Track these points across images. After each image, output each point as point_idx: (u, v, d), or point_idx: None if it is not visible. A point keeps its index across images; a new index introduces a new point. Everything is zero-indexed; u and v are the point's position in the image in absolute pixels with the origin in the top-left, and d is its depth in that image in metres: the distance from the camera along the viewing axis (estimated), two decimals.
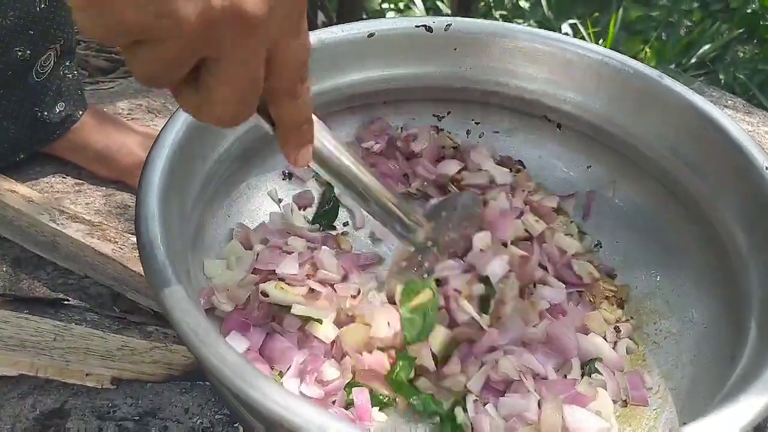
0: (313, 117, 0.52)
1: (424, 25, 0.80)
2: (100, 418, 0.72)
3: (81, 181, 1.00)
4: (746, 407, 0.49)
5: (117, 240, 0.85)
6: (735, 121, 1.29)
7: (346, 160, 0.58)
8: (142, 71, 0.41)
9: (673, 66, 2.19)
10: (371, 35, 0.79)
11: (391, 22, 0.81)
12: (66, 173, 1.01)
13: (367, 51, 0.80)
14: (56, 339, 0.73)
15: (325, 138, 0.56)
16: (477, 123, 0.88)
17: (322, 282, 0.71)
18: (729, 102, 1.43)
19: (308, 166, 0.55)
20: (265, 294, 0.68)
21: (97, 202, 0.97)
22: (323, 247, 0.74)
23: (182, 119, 0.66)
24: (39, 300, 0.80)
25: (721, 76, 2.13)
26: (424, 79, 0.83)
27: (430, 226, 0.71)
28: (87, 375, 0.74)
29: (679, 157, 0.74)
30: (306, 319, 0.68)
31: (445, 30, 0.80)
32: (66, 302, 0.79)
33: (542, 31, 0.81)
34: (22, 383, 0.75)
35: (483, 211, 0.78)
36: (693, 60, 2.24)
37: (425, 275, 0.73)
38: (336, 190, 0.83)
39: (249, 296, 0.70)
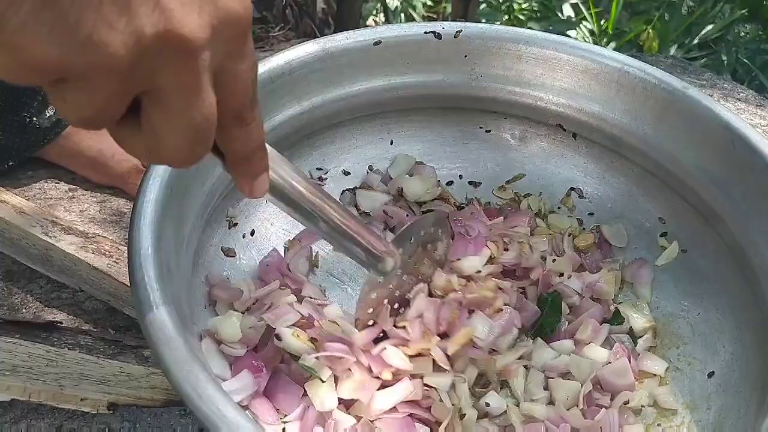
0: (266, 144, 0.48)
1: (433, 32, 0.76)
2: None
3: (74, 187, 0.96)
4: None
5: (112, 254, 0.82)
6: (747, 114, 1.28)
7: (305, 189, 0.53)
8: (71, 113, 0.36)
9: (675, 47, 2.16)
10: (377, 43, 0.75)
11: (398, 29, 0.76)
12: (59, 178, 0.97)
13: (373, 59, 0.76)
14: (49, 364, 0.70)
15: (279, 166, 0.50)
16: (488, 131, 0.84)
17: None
18: (741, 94, 1.40)
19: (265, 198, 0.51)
20: (278, 338, 0.65)
21: (92, 209, 0.94)
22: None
23: None
24: (30, 323, 0.76)
25: (724, 57, 2.09)
26: (432, 88, 0.79)
27: (398, 254, 0.67)
28: (82, 400, 0.71)
29: (706, 174, 0.71)
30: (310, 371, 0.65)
31: (455, 36, 0.76)
32: (59, 324, 0.76)
33: (558, 37, 0.77)
34: (14, 407, 0.72)
35: (450, 231, 0.76)
36: (696, 41, 2.21)
37: (396, 305, 0.70)
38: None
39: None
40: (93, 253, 0.82)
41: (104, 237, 0.85)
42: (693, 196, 0.73)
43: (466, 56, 0.78)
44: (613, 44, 2.13)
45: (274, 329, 0.65)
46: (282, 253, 0.77)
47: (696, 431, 0.63)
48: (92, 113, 0.35)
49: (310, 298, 0.71)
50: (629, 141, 0.77)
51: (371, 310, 0.69)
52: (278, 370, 0.66)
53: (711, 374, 0.68)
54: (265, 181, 0.47)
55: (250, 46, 0.40)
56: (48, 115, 0.90)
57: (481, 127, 0.84)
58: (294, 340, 0.64)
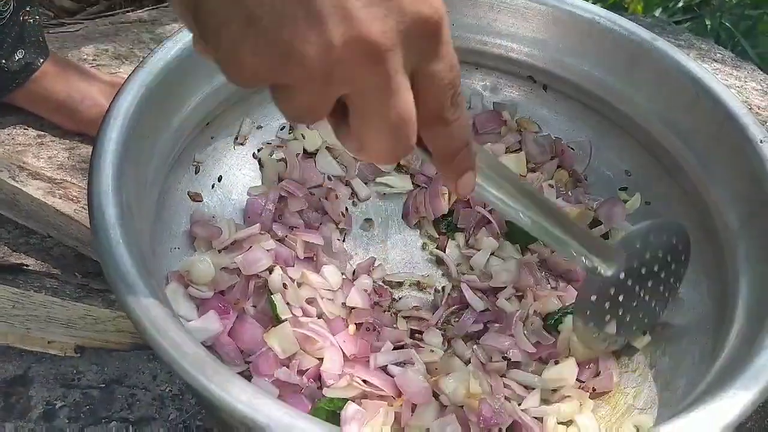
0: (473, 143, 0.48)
1: None
2: (64, 386, 0.70)
3: (43, 133, 0.95)
4: (730, 404, 0.48)
5: (80, 199, 0.82)
6: (722, 75, 1.28)
7: (513, 188, 0.53)
8: (286, 112, 0.40)
9: (660, 10, 2.15)
10: None
11: None
12: (28, 124, 0.96)
13: None
14: (15, 306, 0.71)
15: (486, 163, 0.50)
16: None
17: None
18: (718, 55, 1.40)
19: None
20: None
21: (60, 156, 0.93)
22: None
23: (148, 68, 0.62)
24: None
25: (707, 22, 2.09)
26: None
27: (623, 257, 0.61)
28: (49, 342, 0.71)
29: (670, 125, 0.72)
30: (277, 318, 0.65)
31: None
32: (25, 267, 0.76)
33: None
34: None
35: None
36: (680, 4, 2.20)
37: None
38: None
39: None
40: (60, 198, 0.82)
41: (72, 183, 0.85)
42: (658, 149, 0.74)
43: None
44: (599, 5, 2.12)
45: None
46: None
47: (650, 376, 0.65)
48: (301, 113, 0.40)
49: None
50: (598, 93, 0.77)
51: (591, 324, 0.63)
52: (244, 312, 0.66)
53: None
54: (469, 180, 0.48)
55: (446, 48, 0.41)
56: (17, 58, 0.89)
57: None
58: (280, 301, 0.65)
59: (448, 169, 0.47)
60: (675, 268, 0.67)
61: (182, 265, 0.66)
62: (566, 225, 0.57)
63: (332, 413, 0.59)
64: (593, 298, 0.61)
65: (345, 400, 0.58)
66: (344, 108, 0.40)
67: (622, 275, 0.61)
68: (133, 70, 0.63)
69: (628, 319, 0.64)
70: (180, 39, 0.65)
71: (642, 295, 0.64)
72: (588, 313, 0.62)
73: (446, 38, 0.41)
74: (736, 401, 0.48)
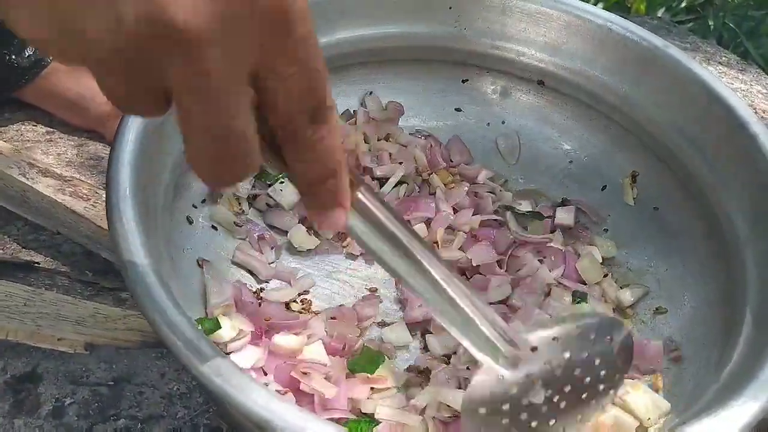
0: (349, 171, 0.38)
1: None
2: (73, 383, 0.70)
3: (52, 130, 0.96)
4: (738, 414, 0.48)
5: (90, 197, 0.82)
6: (728, 78, 1.28)
7: (402, 235, 0.41)
8: (107, 98, 0.33)
9: (663, 10, 2.15)
10: None
11: None
12: (37, 120, 0.96)
13: (351, 7, 0.76)
14: (26, 304, 0.71)
15: (368, 202, 0.40)
16: (470, 85, 0.84)
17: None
18: (723, 59, 1.40)
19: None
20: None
21: (69, 153, 0.93)
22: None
23: None
24: (8, 263, 0.77)
25: (711, 22, 2.09)
26: (414, 39, 0.79)
27: (532, 353, 0.47)
28: (59, 340, 0.72)
29: (682, 133, 0.72)
30: None
31: None
32: (36, 264, 0.76)
33: None
34: None
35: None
36: (683, 4, 2.20)
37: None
38: None
39: None
40: (70, 196, 0.82)
41: (82, 180, 0.85)
42: (668, 155, 0.74)
43: (450, 8, 0.78)
44: (600, 5, 2.12)
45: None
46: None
47: (657, 382, 0.65)
48: (118, 100, 0.33)
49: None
50: (609, 98, 0.77)
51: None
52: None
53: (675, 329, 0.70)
54: (336, 219, 0.38)
55: (301, 47, 0.32)
56: (27, 54, 0.89)
57: (462, 81, 0.84)
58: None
59: (308, 200, 0.38)
60: (606, 375, 0.52)
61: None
62: (463, 301, 0.44)
63: None
64: (486, 396, 0.46)
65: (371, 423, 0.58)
66: None
67: (525, 374, 0.47)
68: None
69: (533, 426, 0.49)
70: None
71: (556, 401, 0.49)
72: (480, 412, 0.46)
73: (301, 34, 0.32)
74: (744, 411, 0.48)
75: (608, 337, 0.51)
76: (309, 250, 0.76)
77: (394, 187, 0.78)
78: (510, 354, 0.46)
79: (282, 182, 0.76)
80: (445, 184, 0.80)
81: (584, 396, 0.51)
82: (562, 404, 0.50)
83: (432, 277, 0.43)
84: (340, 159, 0.36)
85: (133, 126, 0.56)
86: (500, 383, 0.46)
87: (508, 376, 0.46)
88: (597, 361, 0.51)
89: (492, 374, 0.46)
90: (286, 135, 0.35)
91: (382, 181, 0.79)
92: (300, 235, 0.75)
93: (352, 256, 0.76)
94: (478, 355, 0.45)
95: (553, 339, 0.48)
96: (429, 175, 0.80)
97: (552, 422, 0.49)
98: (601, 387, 0.52)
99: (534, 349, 0.47)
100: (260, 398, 0.45)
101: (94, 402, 0.69)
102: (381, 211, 0.41)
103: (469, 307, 0.44)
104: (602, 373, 0.51)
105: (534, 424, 0.48)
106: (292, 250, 0.76)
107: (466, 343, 0.45)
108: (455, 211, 0.78)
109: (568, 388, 0.49)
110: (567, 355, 0.49)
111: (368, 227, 0.40)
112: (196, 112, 0.31)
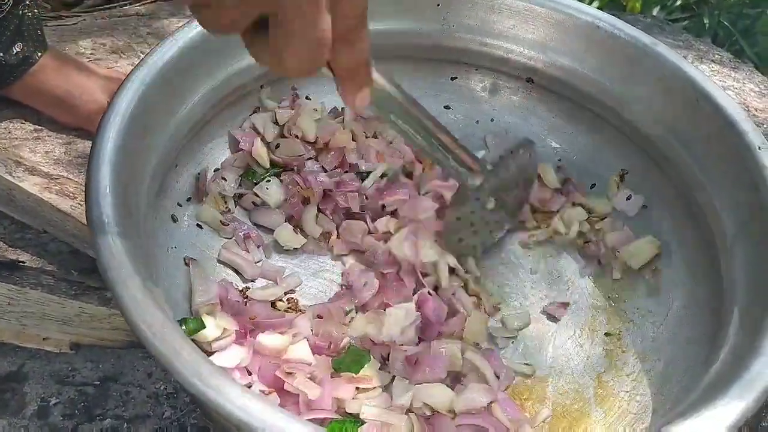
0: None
1: None
2: (59, 383, 0.70)
3: (40, 127, 0.95)
4: (724, 412, 0.48)
5: (76, 195, 0.82)
6: (721, 76, 1.28)
7: (403, 100, 0.58)
8: (205, 27, 0.43)
9: (658, 9, 2.15)
10: None
11: None
12: (25, 118, 0.96)
13: None
14: (11, 303, 0.70)
15: (380, 79, 0.55)
16: (458, 83, 0.84)
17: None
18: (716, 56, 1.40)
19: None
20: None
21: (57, 151, 0.92)
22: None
23: (148, 67, 0.61)
24: None
25: (706, 21, 2.09)
26: (402, 36, 0.79)
27: (489, 172, 0.69)
28: (45, 339, 0.71)
29: (670, 131, 0.72)
30: None
31: None
32: (22, 263, 0.76)
33: None
34: None
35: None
36: (678, 2, 2.20)
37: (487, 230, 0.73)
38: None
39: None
40: (57, 194, 0.81)
41: (68, 179, 0.84)
42: (657, 153, 0.74)
43: (438, 5, 0.77)
44: (596, 3, 2.11)
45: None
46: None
47: (645, 381, 0.65)
48: (221, 27, 0.42)
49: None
50: (597, 96, 0.77)
51: (458, 237, 0.72)
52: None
53: (664, 328, 0.70)
54: (366, 95, 0.52)
55: None
56: (15, 51, 0.88)
57: (451, 78, 0.84)
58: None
59: (348, 84, 0.50)
60: (524, 183, 0.76)
61: None
62: (447, 144, 0.64)
63: None
64: (455, 216, 0.70)
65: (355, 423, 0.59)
66: (258, 23, 0.42)
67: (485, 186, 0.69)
68: (130, 73, 0.63)
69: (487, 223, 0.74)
70: (180, 38, 0.65)
71: (499, 204, 0.72)
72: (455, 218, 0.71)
73: None
74: (730, 411, 0.48)
75: (524, 152, 0.73)
76: (295, 249, 0.76)
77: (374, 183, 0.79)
78: (476, 169, 0.67)
79: (269, 180, 0.76)
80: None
81: (514, 197, 0.75)
82: (503, 210, 0.74)
83: (424, 124, 0.61)
84: (369, 52, 0.49)
85: (115, 122, 0.56)
86: (470, 194, 0.69)
87: (474, 186, 0.68)
88: (519, 172, 0.74)
89: (464, 189, 0.68)
90: (343, 38, 0.45)
91: (364, 175, 0.79)
92: (286, 234, 0.74)
93: (338, 257, 0.76)
94: (457, 176, 0.67)
95: (500, 158, 0.71)
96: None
97: (496, 219, 0.75)
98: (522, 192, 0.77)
99: (491, 169, 0.69)
100: (239, 399, 0.44)
101: (80, 402, 0.69)
102: (389, 85, 0.55)
103: (452, 145, 0.64)
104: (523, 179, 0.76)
105: (490, 226, 0.75)
106: (279, 248, 0.75)
107: (450, 167, 0.65)
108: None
109: (505, 195, 0.73)
110: (513, 169, 0.73)
111: (383, 97, 0.56)
112: (302, 26, 0.41)
